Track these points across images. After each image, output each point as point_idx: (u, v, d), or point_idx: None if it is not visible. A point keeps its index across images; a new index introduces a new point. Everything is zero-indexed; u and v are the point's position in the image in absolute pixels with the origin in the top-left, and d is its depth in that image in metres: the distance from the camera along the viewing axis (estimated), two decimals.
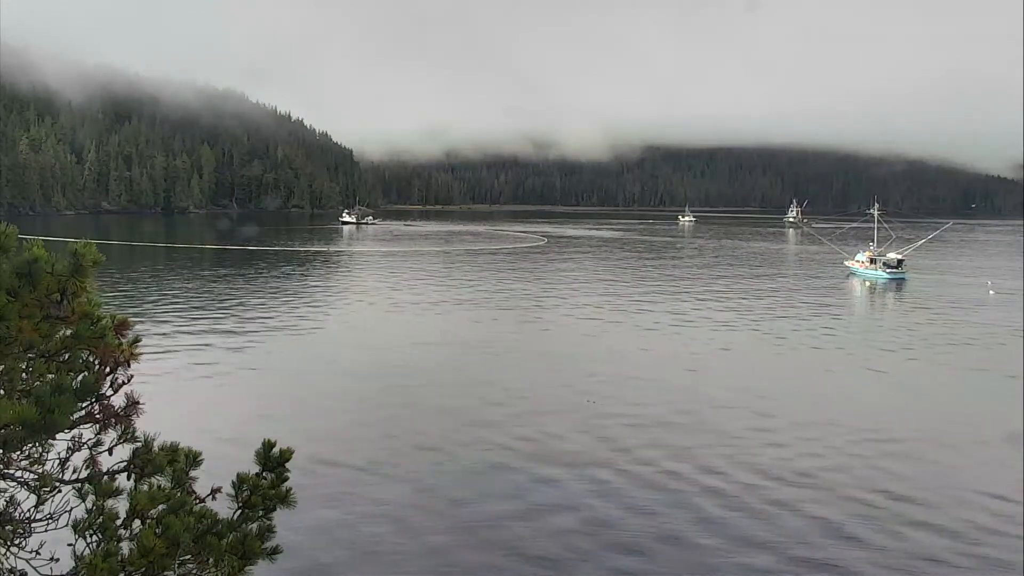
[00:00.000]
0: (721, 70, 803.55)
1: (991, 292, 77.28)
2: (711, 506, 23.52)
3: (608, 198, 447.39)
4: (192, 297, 64.49)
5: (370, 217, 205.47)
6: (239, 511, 5.90)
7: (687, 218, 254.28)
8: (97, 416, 5.51)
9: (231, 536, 5.77)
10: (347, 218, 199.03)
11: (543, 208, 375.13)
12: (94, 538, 5.49)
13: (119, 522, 5.54)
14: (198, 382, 36.60)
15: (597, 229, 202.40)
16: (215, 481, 5.98)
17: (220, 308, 58.98)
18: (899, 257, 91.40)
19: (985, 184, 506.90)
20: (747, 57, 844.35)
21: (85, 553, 5.42)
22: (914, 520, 22.80)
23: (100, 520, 5.51)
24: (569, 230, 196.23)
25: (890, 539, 21.49)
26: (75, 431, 5.49)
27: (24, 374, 5.42)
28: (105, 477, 5.63)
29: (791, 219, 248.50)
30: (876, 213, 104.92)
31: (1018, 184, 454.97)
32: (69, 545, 5.50)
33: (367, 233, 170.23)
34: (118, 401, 5.59)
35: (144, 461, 5.72)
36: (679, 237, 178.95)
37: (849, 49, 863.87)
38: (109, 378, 5.57)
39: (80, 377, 5.45)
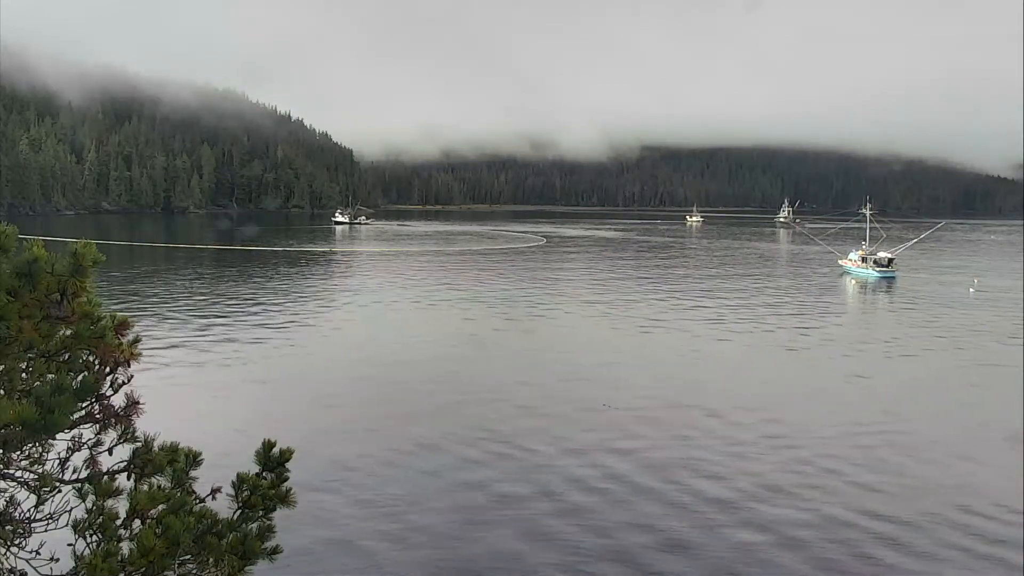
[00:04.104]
0: (720, 70, 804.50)
1: (971, 290, 79.05)
2: (708, 508, 23.53)
3: (608, 198, 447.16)
4: (192, 297, 64.48)
5: (363, 217, 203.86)
6: (239, 511, 5.90)
7: (695, 218, 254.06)
8: (97, 416, 5.51)
9: (231, 536, 5.77)
10: (340, 218, 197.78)
11: (543, 208, 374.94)
12: (94, 538, 5.49)
13: (119, 522, 5.54)
14: (198, 382, 36.60)
15: (598, 229, 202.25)
16: (215, 481, 5.98)
17: (220, 308, 58.99)
18: (890, 256, 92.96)
19: (985, 184, 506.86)
20: (746, 57, 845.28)
21: (85, 553, 5.42)
22: (913, 521, 22.80)
23: (100, 520, 5.51)
24: (569, 230, 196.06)
25: (889, 539, 21.49)
26: (75, 431, 5.49)
27: (24, 374, 5.42)
28: (105, 477, 5.63)
29: (783, 219, 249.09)
30: (868, 213, 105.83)
31: (1018, 184, 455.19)
32: (69, 545, 5.50)
33: (361, 233, 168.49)
34: (118, 401, 5.59)
35: (144, 461, 5.72)
36: (682, 237, 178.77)
37: (848, 49, 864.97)
38: (109, 378, 5.57)
39: (80, 377, 5.45)
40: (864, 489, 25.03)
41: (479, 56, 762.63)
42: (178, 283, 74.25)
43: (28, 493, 5.33)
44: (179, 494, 5.67)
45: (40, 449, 5.33)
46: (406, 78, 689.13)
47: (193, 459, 5.88)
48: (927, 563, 20.25)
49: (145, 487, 5.68)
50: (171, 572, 5.44)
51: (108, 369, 5.54)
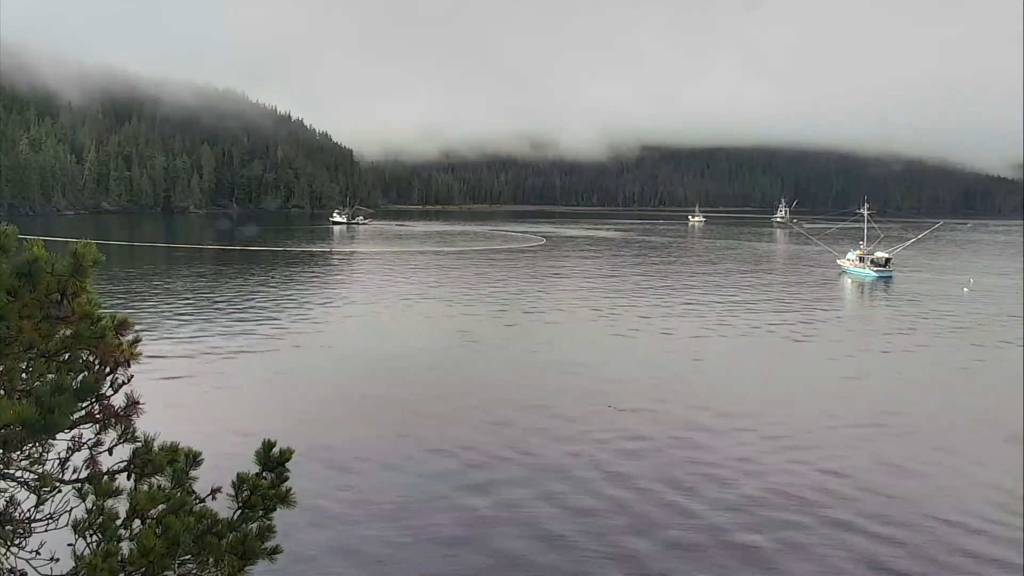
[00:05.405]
0: (720, 70, 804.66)
1: (965, 289, 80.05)
2: (704, 510, 23.54)
3: (608, 198, 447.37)
4: (192, 297, 64.50)
5: (361, 217, 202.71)
6: (239, 511, 5.90)
7: (697, 218, 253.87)
8: (97, 416, 5.51)
9: (231, 536, 5.77)
10: (338, 218, 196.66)
11: (543, 208, 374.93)
12: (94, 538, 5.49)
13: (119, 522, 5.54)
14: (198, 382, 36.59)
15: (598, 229, 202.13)
16: (215, 481, 5.98)
17: (219, 308, 58.99)
18: (887, 256, 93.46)
19: (985, 184, 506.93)
20: (746, 57, 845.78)
21: (85, 553, 5.42)
22: (911, 522, 22.79)
23: (100, 520, 5.51)
24: (569, 230, 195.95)
25: (886, 541, 21.48)
26: (75, 431, 5.48)
27: (24, 374, 5.42)
28: (105, 477, 5.63)
29: (779, 219, 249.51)
30: (866, 213, 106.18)
31: (1018, 184, 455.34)
32: (69, 545, 5.50)
33: (359, 234, 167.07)
34: (118, 401, 5.59)
35: (144, 461, 5.72)
36: (684, 237, 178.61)
37: (848, 49, 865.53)
38: (109, 378, 5.57)
39: (80, 377, 5.45)
40: (861, 490, 25.00)
41: (479, 56, 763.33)
42: (178, 283, 74.26)
43: (28, 493, 5.33)
44: (179, 494, 5.67)
45: (40, 449, 5.33)
46: (406, 78, 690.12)
47: (193, 459, 5.88)
48: (925, 565, 20.22)
49: (145, 487, 5.68)
50: (171, 572, 5.44)
51: (108, 369, 5.54)
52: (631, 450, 28.34)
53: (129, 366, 5.59)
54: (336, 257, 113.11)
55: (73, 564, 5.43)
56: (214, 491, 5.95)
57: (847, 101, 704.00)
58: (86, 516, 5.54)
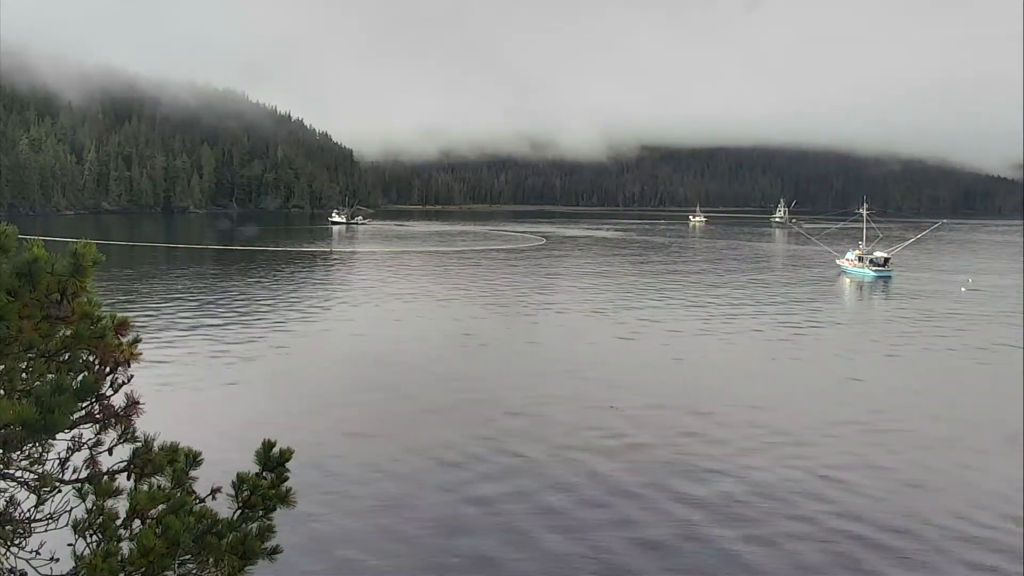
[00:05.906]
0: (720, 70, 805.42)
1: (963, 289, 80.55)
2: (700, 511, 23.53)
3: (608, 198, 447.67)
4: (192, 297, 64.49)
5: (360, 217, 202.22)
6: (239, 511, 5.90)
7: (698, 218, 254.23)
8: (97, 416, 5.51)
9: (231, 536, 5.76)
10: (337, 218, 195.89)
11: (543, 208, 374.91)
12: (94, 538, 5.49)
13: (119, 522, 5.54)
14: (198, 382, 36.57)
15: (598, 229, 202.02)
16: (215, 481, 5.98)
17: (219, 308, 58.97)
18: (886, 256, 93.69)
19: (985, 184, 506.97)
20: (746, 57, 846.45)
21: (85, 553, 5.42)
22: (909, 525, 22.76)
23: (100, 520, 5.51)
24: (569, 230, 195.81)
25: (884, 544, 21.44)
26: (75, 431, 5.48)
27: (24, 374, 5.42)
28: (105, 477, 5.63)
29: (778, 219, 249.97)
30: (865, 213, 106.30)
31: (1018, 184, 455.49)
32: (69, 545, 5.50)
33: (358, 234, 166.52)
34: (118, 401, 5.59)
35: (144, 461, 5.72)
36: (684, 237, 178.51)
37: (848, 49, 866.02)
38: (109, 378, 5.57)
39: (80, 377, 5.45)
40: (860, 492, 24.96)
41: (479, 56, 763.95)
42: (178, 283, 74.24)
43: (28, 493, 5.33)
44: (179, 494, 5.67)
45: (40, 449, 5.33)
46: (406, 78, 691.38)
47: (193, 459, 5.88)
48: (923, 569, 20.18)
49: (145, 487, 5.68)
50: (171, 572, 5.44)
51: (108, 369, 5.54)
52: (624, 449, 28.32)
53: (129, 366, 5.59)
54: (335, 257, 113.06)
55: (73, 564, 5.43)
56: (214, 491, 5.95)
57: (847, 101, 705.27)
58: (86, 516, 5.53)
